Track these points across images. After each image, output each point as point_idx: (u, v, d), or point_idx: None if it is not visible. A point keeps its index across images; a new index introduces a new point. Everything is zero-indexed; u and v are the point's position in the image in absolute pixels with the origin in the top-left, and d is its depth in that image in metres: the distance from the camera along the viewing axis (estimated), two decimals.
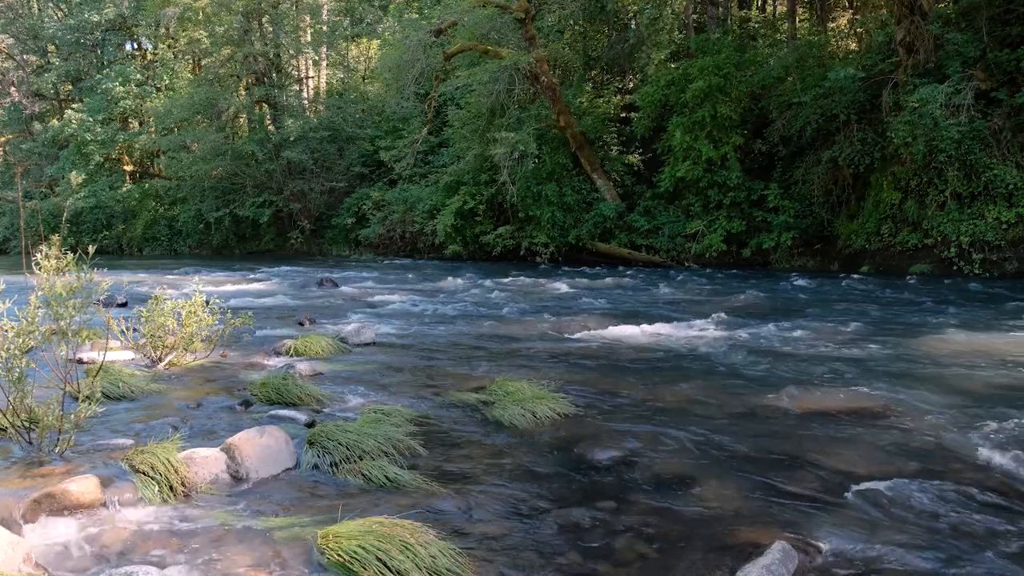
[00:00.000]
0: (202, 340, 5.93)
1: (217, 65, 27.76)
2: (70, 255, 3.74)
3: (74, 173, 31.30)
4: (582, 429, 4.09)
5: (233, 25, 26.53)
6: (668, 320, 8.00)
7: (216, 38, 27.37)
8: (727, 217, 16.89)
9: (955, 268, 13.26)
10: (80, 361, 5.14)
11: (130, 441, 3.60)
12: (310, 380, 5.15)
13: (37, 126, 34.87)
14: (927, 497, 3.05)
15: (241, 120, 29.17)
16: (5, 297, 3.70)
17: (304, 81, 31.11)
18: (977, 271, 12.96)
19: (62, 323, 3.61)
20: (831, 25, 20.33)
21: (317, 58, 31.76)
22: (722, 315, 8.16)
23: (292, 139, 25.93)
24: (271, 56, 27.58)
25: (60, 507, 2.80)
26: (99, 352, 5.11)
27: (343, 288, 12.86)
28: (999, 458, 3.50)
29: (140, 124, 32.89)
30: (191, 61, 34.03)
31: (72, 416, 3.44)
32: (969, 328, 7.27)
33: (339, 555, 2.48)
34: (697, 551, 2.63)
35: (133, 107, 31.18)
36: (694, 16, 22.50)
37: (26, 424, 3.54)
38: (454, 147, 21.81)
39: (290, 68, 30.13)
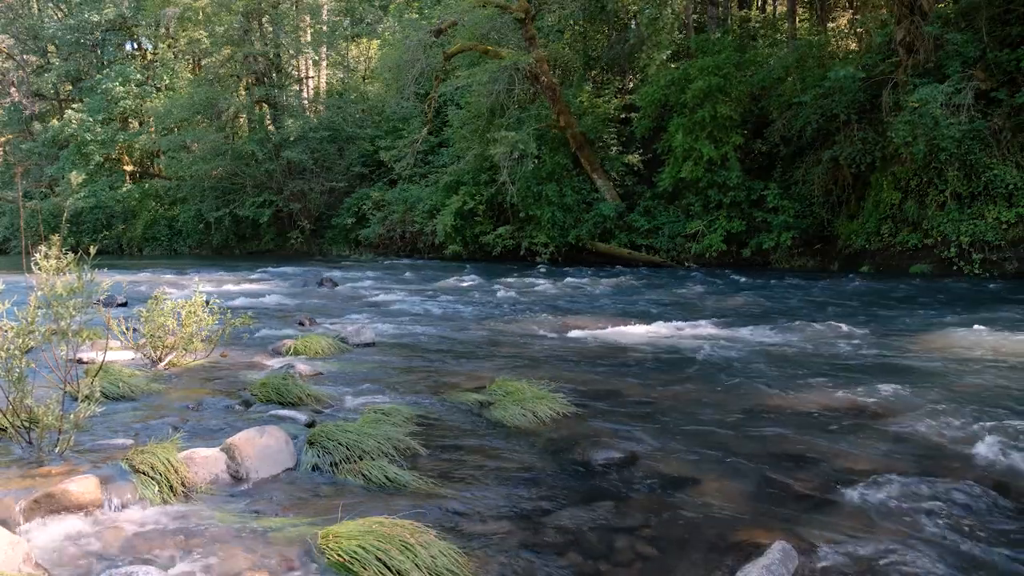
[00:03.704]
0: (202, 340, 5.93)
1: (217, 65, 27.75)
2: (70, 255, 3.73)
3: (74, 173, 31.29)
4: (582, 429, 4.09)
5: (233, 25, 26.52)
6: (668, 320, 8.00)
7: (216, 38, 27.38)
8: (727, 217, 16.89)
9: (955, 268, 13.26)
10: (80, 361, 5.13)
11: (130, 441, 3.59)
12: (310, 380, 5.14)
13: (37, 126, 34.86)
14: (927, 497, 3.05)
15: (241, 120, 29.17)
16: (5, 297, 3.70)
17: (304, 81, 31.10)
18: (977, 271, 12.95)
19: (62, 323, 3.61)
20: (831, 25, 20.34)
21: (317, 58, 31.76)
22: (722, 315, 8.16)
23: (292, 139, 25.94)
24: (271, 56, 27.57)
25: (60, 507, 2.80)
26: (99, 352, 5.11)
27: (343, 288, 12.85)
28: (999, 458, 3.50)
29: (140, 124, 32.88)
30: (191, 61, 34.03)
31: (72, 416, 3.43)
32: (969, 328, 7.26)
33: (339, 555, 2.48)
34: (697, 551, 2.63)
35: (133, 107, 31.19)
36: (694, 16, 22.51)
37: (26, 424, 3.54)
38: (454, 147, 21.81)
39: (290, 68, 30.12)
